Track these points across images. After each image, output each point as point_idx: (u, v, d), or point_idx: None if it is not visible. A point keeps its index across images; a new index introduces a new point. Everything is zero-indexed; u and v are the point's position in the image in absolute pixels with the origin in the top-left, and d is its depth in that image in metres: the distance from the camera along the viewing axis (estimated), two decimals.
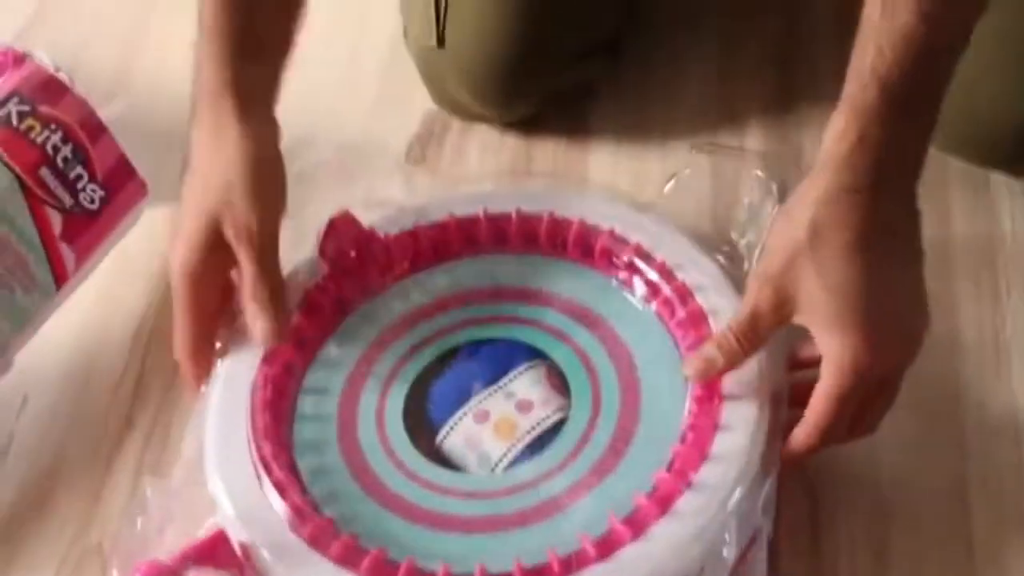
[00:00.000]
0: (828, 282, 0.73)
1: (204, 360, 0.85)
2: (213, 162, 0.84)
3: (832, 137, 0.74)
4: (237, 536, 0.75)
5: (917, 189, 0.76)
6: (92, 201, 0.93)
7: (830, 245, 0.73)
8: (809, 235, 0.74)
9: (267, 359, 0.83)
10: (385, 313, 0.87)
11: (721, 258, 0.86)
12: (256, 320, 0.82)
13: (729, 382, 0.78)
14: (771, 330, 0.76)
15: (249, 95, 0.85)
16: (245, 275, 0.83)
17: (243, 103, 0.85)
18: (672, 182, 0.94)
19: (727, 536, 0.73)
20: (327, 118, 1.06)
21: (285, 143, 0.86)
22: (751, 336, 0.76)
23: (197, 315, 0.84)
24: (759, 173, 0.89)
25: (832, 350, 0.74)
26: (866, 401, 0.76)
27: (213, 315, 0.85)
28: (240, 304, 0.84)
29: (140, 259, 0.99)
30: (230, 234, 0.83)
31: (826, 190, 0.74)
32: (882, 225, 0.74)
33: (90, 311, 0.97)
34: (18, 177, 0.91)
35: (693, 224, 0.91)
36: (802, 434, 0.75)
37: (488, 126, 1.08)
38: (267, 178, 0.85)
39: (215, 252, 0.83)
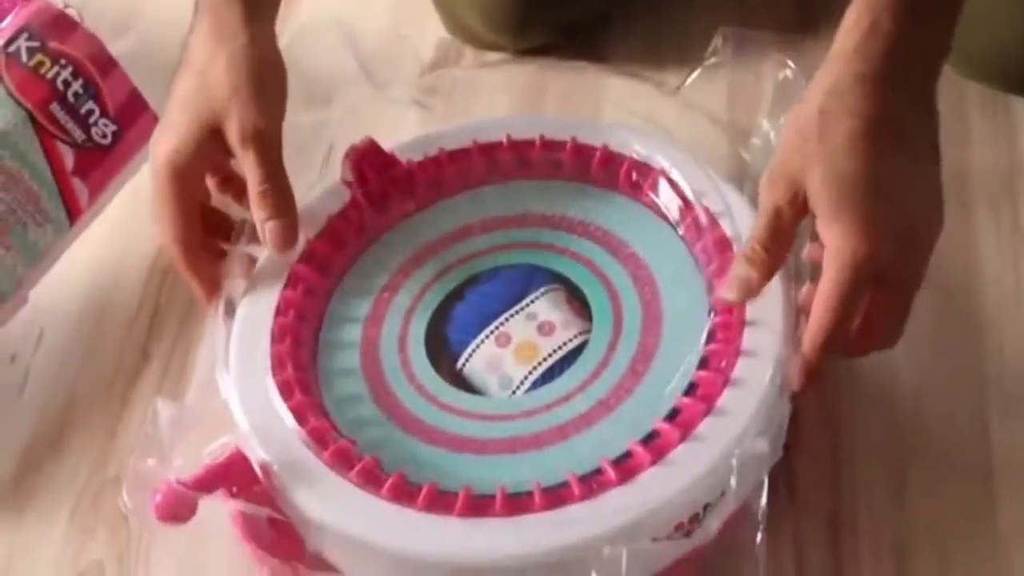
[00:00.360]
0: (832, 170, 0.72)
1: (198, 260, 0.84)
2: (215, 63, 0.83)
3: (844, 28, 0.74)
4: (257, 458, 0.75)
5: (935, 91, 0.74)
6: (104, 136, 0.93)
7: (837, 132, 0.72)
8: (818, 123, 0.73)
9: (289, 284, 0.83)
10: (408, 240, 0.87)
11: (746, 155, 0.85)
12: (268, 224, 0.81)
13: (751, 307, 0.77)
14: (792, 226, 0.74)
15: (257, 1, 0.85)
16: (252, 179, 0.82)
17: (251, 9, 0.84)
18: (697, 71, 0.93)
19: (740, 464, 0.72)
20: (339, 47, 1.05)
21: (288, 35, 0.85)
22: (775, 238, 0.74)
23: (179, 209, 0.83)
24: (789, 66, 0.88)
25: (831, 241, 0.72)
26: (872, 304, 0.74)
27: (195, 212, 0.84)
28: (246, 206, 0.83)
29: None
30: (234, 137, 0.82)
31: (836, 79, 0.73)
32: (892, 117, 0.72)
33: (105, 246, 0.97)
34: (29, 113, 0.90)
35: (716, 114, 0.90)
36: (807, 341, 0.73)
37: (501, 55, 1.07)
38: (272, 83, 0.84)
39: (205, 152, 0.83)
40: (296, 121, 0.85)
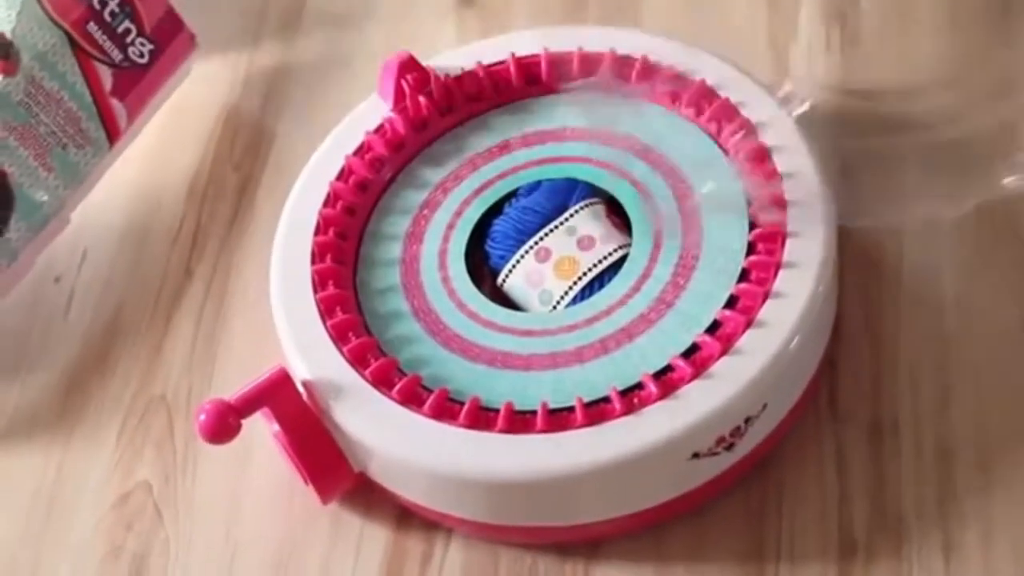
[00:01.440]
0: None
1: None
2: None
3: None
4: (300, 376, 0.75)
5: None
6: (141, 55, 0.93)
7: None
8: None
9: (328, 202, 0.83)
10: (447, 156, 0.86)
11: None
12: None
13: (792, 219, 0.77)
14: None
15: None
16: None
17: None
18: None
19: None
20: None
21: None
22: None
23: None
24: None
25: None
26: None
27: None
28: None
29: (193, 112, 0.98)
30: None
31: None
32: None
33: (145, 166, 0.97)
34: (66, 33, 0.90)
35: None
36: None
37: None
38: None
39: None
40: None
